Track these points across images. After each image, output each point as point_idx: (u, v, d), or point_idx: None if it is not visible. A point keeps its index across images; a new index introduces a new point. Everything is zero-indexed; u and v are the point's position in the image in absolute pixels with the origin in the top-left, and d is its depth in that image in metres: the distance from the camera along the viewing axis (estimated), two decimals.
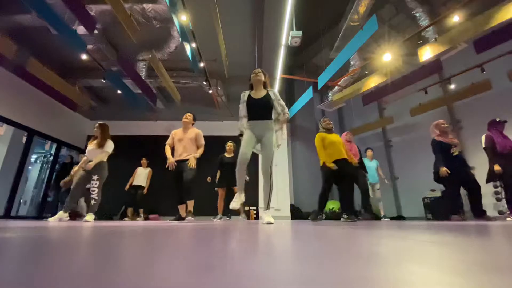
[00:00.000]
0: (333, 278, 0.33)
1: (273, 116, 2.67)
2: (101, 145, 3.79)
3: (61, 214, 3.48)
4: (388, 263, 0.44)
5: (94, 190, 3.66)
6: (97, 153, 3.78)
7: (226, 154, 5.30)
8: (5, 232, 1.21)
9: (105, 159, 3.86)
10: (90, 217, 3.57)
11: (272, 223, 2.32)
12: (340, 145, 3.72)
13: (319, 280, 0.32)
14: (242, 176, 2.55)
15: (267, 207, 2.52)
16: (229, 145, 5.31)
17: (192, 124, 3.80)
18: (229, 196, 5.01)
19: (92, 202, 3.65)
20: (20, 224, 2.30)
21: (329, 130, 3.86)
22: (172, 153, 3.66)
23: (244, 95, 2.76)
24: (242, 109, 2.71)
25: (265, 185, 2.54)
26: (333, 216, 6.31)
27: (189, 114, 3.79)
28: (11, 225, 2.05)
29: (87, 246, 0.72)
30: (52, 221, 3.29)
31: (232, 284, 0.30)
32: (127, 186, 6.37)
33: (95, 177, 3.68)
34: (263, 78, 2.73)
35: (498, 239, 0.93)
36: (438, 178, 3.69)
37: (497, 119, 3.80)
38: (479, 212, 3.44)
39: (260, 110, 2.65)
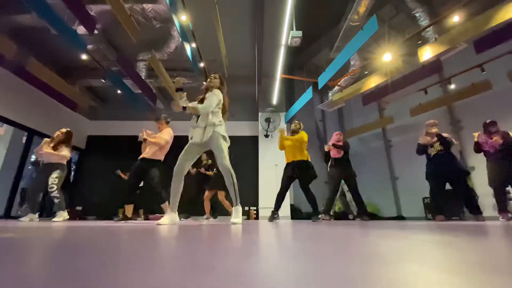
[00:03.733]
0: (333, 278, 0.33)
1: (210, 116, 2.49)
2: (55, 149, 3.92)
3: (31, 216, 3.52)
4: (388, 263, 0.44)
5: (52, 188, 3.65)
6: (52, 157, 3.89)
7: None
8: (5, 232, 1.21)
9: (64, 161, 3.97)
10: (58, 217, 3.53)
11: (239, 224, 2.15)
12: (294, 147, 3.80)
13: (319, 280, 0.32)
14: (178, 190, 2.41)
15: (236, 202, 2.38)
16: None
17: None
18: (215, 198, 5.01)
19: (56, 200, 3.64)
20: (20, 224, 2.30)
21: (294, 132, 3.98)
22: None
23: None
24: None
25: (226, 179, 2.40)
26: (334, 216, 6.30)
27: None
28: (11, 225, 2.05)
29: (86, 247, 0.72)
30: (25, 221, 3.33)
31: (232, 284, 0.30)
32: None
33: (54, 175, 3.71)
34: (217, 84, 2.65)
35: (498, 239, 0.93)
36: (426, 177, 3.86)
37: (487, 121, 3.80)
38: (473, 210, 3.43)
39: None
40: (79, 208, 7.19)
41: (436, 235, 1.07)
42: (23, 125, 6.10)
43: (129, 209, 3.51)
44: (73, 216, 6.42)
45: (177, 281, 0.31)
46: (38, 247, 0.69)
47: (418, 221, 4.55)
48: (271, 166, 7.22)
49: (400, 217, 6.57)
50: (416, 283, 0.31)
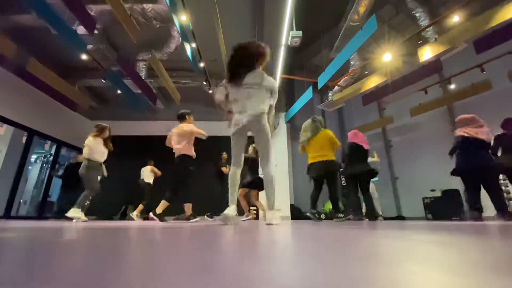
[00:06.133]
0: (334, 278, 0.33)
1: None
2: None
3: (83, 216, 3.66)
4: (388, 263, 0.44)
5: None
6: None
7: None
8: (5, 232, 1.21)
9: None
10: (70, 213, 3.63)
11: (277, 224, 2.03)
12: (325, 145, 3.78)
13: (320, 280, 0.32)
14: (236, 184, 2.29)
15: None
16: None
17: None
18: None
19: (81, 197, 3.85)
20: (20, 224, 2.30)
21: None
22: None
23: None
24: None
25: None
26: (333, 216, 6.30)
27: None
28: (11, 225, 2.05)
29: (88, 247, 0.72)
30: (82, 220, 3.48)
31: (234, 285, 0.30)
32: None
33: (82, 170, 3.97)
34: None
35: (498, 239, 0.93)
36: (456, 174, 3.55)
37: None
38: (500, 208, 3.30)
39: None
40: None
41: (436, 235, 1.07)
42: (23, 125, 6.10)
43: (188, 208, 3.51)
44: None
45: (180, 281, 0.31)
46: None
47: (418, 221, 4.55)
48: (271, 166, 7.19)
49: (400, 217, 6.57)
50: (416, 283, 0.31)
